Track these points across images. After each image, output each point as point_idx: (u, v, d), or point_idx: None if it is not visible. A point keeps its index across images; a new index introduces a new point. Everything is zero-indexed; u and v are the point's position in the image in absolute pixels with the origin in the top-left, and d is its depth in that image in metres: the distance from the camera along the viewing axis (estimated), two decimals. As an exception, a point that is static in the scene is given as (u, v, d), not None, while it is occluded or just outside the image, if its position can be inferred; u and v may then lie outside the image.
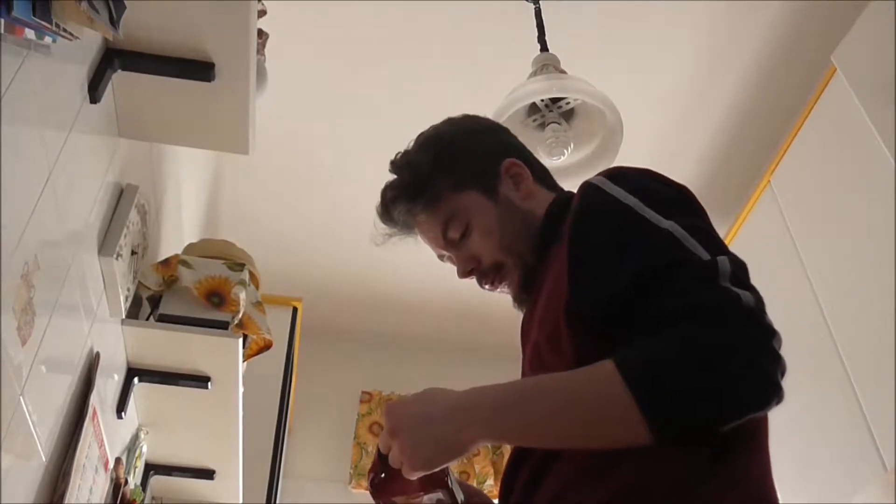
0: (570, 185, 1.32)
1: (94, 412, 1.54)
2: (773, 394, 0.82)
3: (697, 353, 0.81)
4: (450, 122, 1.32)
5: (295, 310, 3.13)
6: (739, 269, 0.89)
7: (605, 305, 0.90)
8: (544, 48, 2.33)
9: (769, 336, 0.84)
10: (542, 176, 1.28)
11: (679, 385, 0.80)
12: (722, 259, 0.89)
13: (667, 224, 0.92)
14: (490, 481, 3.43)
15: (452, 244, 1.22)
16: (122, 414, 1.76)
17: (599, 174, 1.05)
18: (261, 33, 1.76)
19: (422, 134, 1.31)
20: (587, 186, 1.03)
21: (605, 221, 0.97)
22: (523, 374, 1.09)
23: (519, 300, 1.20)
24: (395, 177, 1.28)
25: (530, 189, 1.23)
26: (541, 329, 1.02)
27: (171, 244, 2.15)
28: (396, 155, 1.30)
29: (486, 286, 1.23)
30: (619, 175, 1.02)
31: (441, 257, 1.27)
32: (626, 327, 0.88)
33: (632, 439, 0.82)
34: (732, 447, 0.85)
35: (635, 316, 0.88)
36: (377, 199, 1.30)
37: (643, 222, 0.94)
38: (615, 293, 0.90)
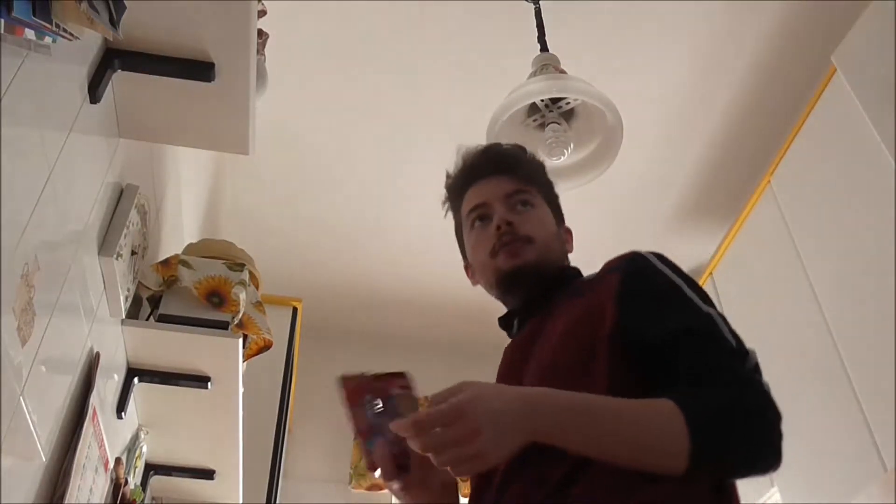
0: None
1: (94, 412, 1.54)
2: (778, 466, 0.98)
3: (746, 418, 0.95)
4: None
5: (295, 310, 3.13)
6: (758, 365, 1.04)
7: (658, 340, 1.02)
8: (544, 48, 2.33)
9: (780, 420, 0.99)
10: None
11: (726, 439, 0.94)
12: (752, 351, 1.03)
13: (707, 309, 1.07)
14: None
15: (509, 204, 1.29)
16: (122, 414, 1.76)
17: (639, 252, 1.17)
18: (261, 33, 1.76)
19: None
20: (638, 253, 1.16)
21: (662, 278, 1.11)
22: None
23: (519, 275, 1.23)
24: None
25: (569, 251, 1.36)
26: (563, 351, 1.10)
27: (171, 244, 2.15)
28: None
29: (506, 246, 1.25)
30: (661, 257, 1.15)
31: (480, 210, 1.31)
32: (662, 367, 1.01)
33: (666, 468, 0.92)
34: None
35: (674, 364, 1.00)
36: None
37: (690, 299, 1.08)
38: (666, 333, 1.02)
